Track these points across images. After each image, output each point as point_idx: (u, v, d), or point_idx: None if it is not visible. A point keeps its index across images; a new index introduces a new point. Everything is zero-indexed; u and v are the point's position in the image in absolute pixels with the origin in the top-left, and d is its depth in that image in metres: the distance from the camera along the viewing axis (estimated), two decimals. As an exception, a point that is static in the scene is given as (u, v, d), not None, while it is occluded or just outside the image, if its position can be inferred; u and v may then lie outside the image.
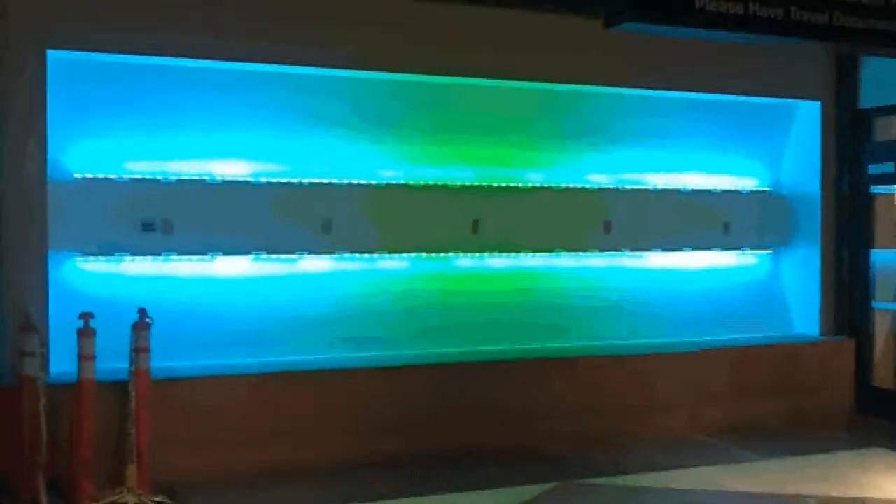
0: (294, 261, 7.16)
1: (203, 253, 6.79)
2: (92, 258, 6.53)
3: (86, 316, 5.81)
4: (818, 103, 8.65)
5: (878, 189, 8.65)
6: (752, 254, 8.89)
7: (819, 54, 8.36)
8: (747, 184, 8.85)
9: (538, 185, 7.85)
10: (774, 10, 5.09)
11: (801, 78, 8.50)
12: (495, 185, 7.69)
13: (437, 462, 6.64)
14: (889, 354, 8.79)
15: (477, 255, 7.70)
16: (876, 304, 8.69)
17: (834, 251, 8.75)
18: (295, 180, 7.07)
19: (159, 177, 6.69)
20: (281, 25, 6.73)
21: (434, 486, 6.20)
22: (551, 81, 7.65)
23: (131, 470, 5.87)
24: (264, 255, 7.00)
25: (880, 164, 8.44)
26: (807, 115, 8.78)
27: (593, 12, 5.57)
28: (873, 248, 8.68)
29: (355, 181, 7.26)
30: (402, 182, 7.42)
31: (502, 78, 7.47)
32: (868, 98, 8.60)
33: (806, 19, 5.21)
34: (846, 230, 8.72)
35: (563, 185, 7.94)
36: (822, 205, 8.70)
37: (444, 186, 7.53)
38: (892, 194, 8.77)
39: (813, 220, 8.74)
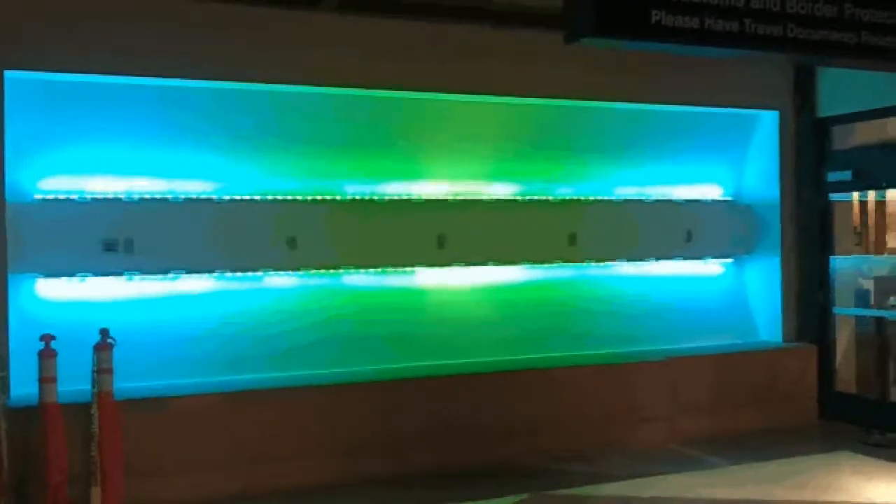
0: (259, 278, 7.12)
1: (166, 272, 6.73)
2: (53, 279, 6.44)
3: (47, 338, 5.75)
4: (776, 113, 8.79)
5: (836, 196, 8.78)
6: (715, 262, 8.97)
7: (777, 65, 8.48)
8: (710, 193, 8.95)
9: (503, 198, 7.87)
10: (729, 24, 5.15)
11: (760, 88, 8.62)
12: (460, 198, 7.70)
13: (416, 480, 6.63)
14: (850, 359, 8.91)
15: (443, 268, 7.69)
16: (837, 310, 8.81)
17: (795, 258, 8.87)
18: (258, 197, 7.03)
19: (121, 196, 6.63)
20: (243, 42, 6.72)
21: (412, 502, 6.20)
22: (513, 95, 7.69)
23: (95, 493, 5.80)
24: (228, 273, 6.94)
25: (839, 172, 8.57)
26: (766, 125, 8.90)
27: (554, 27, 5.61)
28: (833, 254, 8.80)
29: (319, 197, 7.25)
30: (367, 197, 7.41)
31: (466, 92, 7.50)
32: (826, 107, 8.74)
33: (761, 32, 5.28)
34: (807, 237, 8.84)
35: (528, 198, 7.98)
36: (782, 213, 8.81)
37: (409, 201, 7.53)
38: (851, 201, 8.91)
39: (774, 228, 8.86)
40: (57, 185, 6.48)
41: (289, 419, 6.59)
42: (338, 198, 7.31)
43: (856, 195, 8.87)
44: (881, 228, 9.09)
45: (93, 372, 5.86)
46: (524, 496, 6.31)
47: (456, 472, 6.79)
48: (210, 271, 6.87)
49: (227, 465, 6.34)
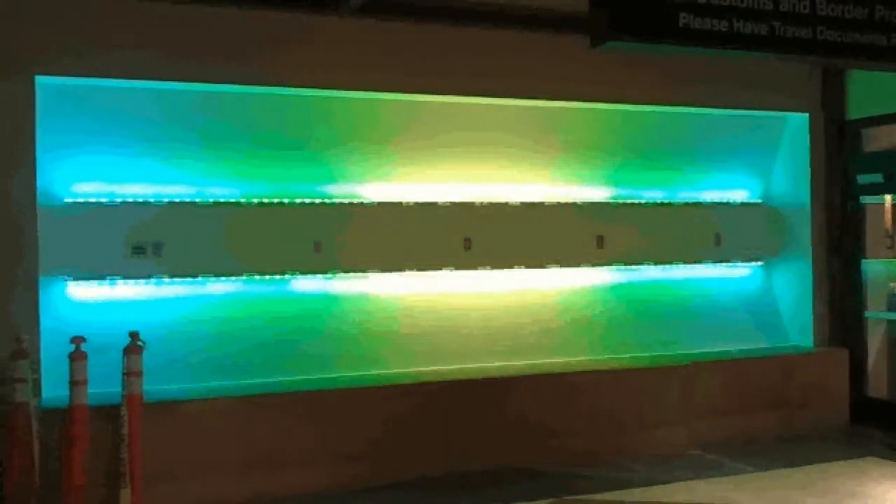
0: (286, 282, 7.16)
1: (194, 275, 6.78)
2: (83, 282, 6.51)
3: (77, 340, 5.82)
4: (806, 115, 8.70)
5: (867, 199, 8.68)
6: (744, 266, 8.91)
7: (806, 67, 8.40)
8: (738, 196, 8.88)
9: (529, 201, 7.86)
10: (758, 26, 5.11)
11: (789, 90, 8.55)
12: (486, 202, 7.70)
13: (435, 484, 6.64)
14: (882, 364, 8.81)
15: (470, 270, 7.69)
16: (868, 314, 8.71)
17: (826, 262, 8.78)
18: (286, 200, 7.08)
19: (150, 199, 6.70)
20: (273, 47, 6.76)
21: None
22: (541, 98, 7.67)
23: (124, 495, 5.86)
24: (256, 277, 6.99)
25: (869, 175, 8.48)
26: (795, 128, 8.82)
27: (580, 31, 5.60)
28: (864, 257, 8.70)
29: (346, 200, 7.28)
30: (393, 201, 7.42)
31: (494, 96, 7.51)
32: (856, 109, 8.65)
33: (790, 34, 5.23)
34: (837, 241, 8.75)
35: (555, 201, 7.96)
36: (812, 216, 8.73)
37: (434, 204, 7.54)
38: (882, 204, 8.80)
39: (804, 231, 8.77)
40: (87, 188, 6.55)
41: (314, 424, 6.61)
42: (364, 201, 7.33)
43: (888, 198, 8.75)
44: (914, 232, 8.98)
45: (123, 374, 5.93)
46: (547, 501, 6.29)
47: (475, 476, 6.79)
48: (238, 274, 6.92)
49: (242, 470, 6.36)
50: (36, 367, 5.91)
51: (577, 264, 8.04)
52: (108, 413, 5.94)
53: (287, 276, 7.12)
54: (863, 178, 8.55)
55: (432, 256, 7.50)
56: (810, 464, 7.19)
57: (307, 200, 7.14)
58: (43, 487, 5.73)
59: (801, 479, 6.81)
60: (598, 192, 8.21)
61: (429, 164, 7.59)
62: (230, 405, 6.43)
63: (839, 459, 7.36)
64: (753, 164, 8.94)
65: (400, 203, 7.42)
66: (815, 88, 8.69)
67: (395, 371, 7.34)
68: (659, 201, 8.43)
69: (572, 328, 8.08)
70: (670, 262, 8.44)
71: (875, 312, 8.72)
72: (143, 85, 6.56)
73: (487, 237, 7.63)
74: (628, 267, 8.29)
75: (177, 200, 6.76)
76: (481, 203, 7.68)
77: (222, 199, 6.91)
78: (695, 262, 8.55)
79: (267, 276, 7.03)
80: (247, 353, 6.99)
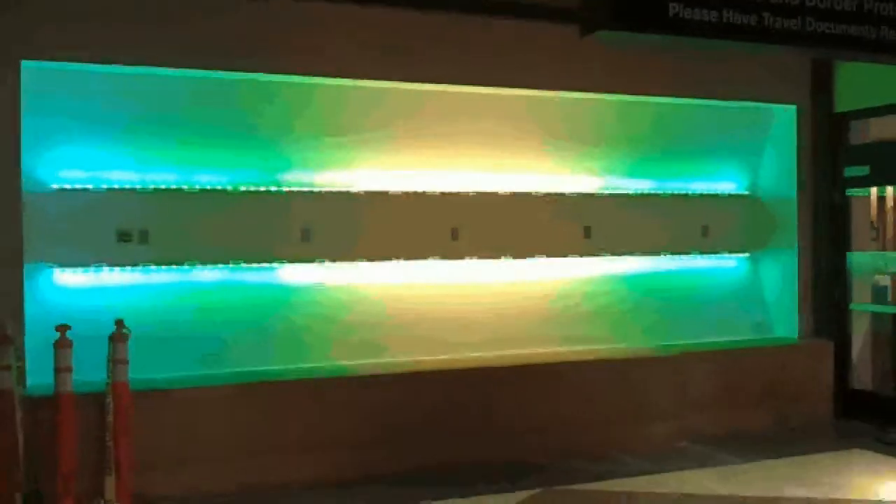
0: (273, 270, 7.13)
1: (181, 263, 6.75)
2: (69, 269, 6.47)
3: (62, 328, 5.78)
4: (794, 107, 8.72)
5: (854, 192, 8.72)
6: (730, 257, 8.93)
7: (795, 59, 8.42)
8: (726, 188, 8.90)
9: (517, 191, 7.85)
10: (747, 17, 5.13)
11: (778, 82, 8.56)
12: (474, 192, 7.69)
13: (424, 475, 6.64)
14: (867, 356, 8.86)
15: (457, 260, 7.68)
16: (853, 307, 8.76)
17: (812, 254, 8.81)
18: (273, 189, 7.05)
19: (136, 186, 6.66)
20: (264, 34, 6.72)
21: (420, 497, 6.18)
22: (529, 88, 7.66)
23: (109, 482, 5.84)
24: (243, 265, 6.96)
25: (856, 167, 8.52)
26: (783, 119, 8.84)
27: (570, 20, 5.60)
28: (850, 250, 8.75)
29: (334, 189, 7.25)
30: (380, 190, 7.40)
31: (483, 85, 7.49)
32: (844, 102, 8.68)
33: (779, 25, 5.24)
34: (823, 233, 8.79)
35: (542, 192, 7.95)
36: (799, 208, 8.76)
37: (422, 193, 7.52)
38: (868, 197, 8.85)
39: (790, 223, 8.80)
40: (73, 175, 6.50)
41: (303, 412, 6.61)
42: (352, 190, 7.31)
43: (874, 190, 8.80)
44: (899, 224, 9.03)
45: (108, 362, 5.90)
46: (535, 492, 6.31)
47: (463, 468, 6.78)
48: (224, 262, 6.89)
49: (232, 458, 6.36)
50: (20, 354, 5.87)
51: (564, 255, 8.04)
52: (93, 401, 5.91)
53: (274, 265, 7.10)
54: (849, 171, 8.59)
55: (419, 246, 7.49)
56: (796, 455, 7.24)
57: (295, 189, 7.11)
58: (29, 476, 5.70)
59: (788, 470, 6.86)
60: (585, 183, 8.21)
61: (417, 153, 7.57)
62: (217, 393, 6.42)
63: (825, 451, 7.41)
64: (741, 155, 8.96)
65: (387, 192, 7.40)
66: (803, 80, 8.71)
67: (381, 361, 7.33)
68: (646, 192, 8.44)
69: (559, 319, 8.08)
70: (657, 254, 8.47)
71: (860, 305, 8.76)
72: (130, 71, 6.51)
73: (475, 227, 7.63)
74: (615, 257, 8.30)
75: (163, 187, 6.72)
76: (469, 193, 7.67)
77: (209, 187, 6.87)
78: (682, 253, 8.57)
79: (254, 265, 7.00)
80: (233, 341, 6.96)
